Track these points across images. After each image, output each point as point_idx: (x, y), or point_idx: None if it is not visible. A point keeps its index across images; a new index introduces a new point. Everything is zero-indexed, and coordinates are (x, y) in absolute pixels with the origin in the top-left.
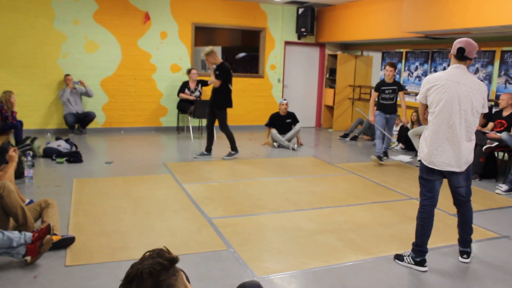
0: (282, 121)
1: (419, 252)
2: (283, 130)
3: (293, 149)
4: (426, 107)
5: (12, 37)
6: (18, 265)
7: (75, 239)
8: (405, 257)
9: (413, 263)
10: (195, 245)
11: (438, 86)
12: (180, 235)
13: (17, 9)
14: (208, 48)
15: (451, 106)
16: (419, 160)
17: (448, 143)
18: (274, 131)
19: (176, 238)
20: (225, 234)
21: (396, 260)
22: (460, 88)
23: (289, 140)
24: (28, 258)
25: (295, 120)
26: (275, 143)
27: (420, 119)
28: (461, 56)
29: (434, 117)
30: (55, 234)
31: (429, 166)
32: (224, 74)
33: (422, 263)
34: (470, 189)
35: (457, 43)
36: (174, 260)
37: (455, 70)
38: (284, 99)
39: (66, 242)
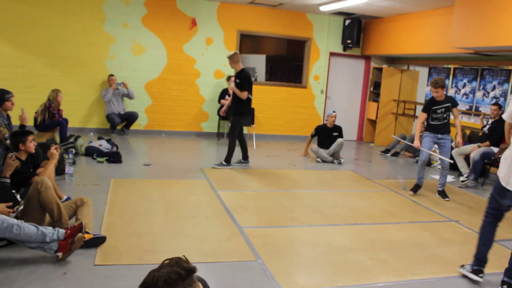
0: (329, 134)
1: (477, 261)
2: (328, 142)
3: (339, 163)
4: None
5: (64, 37)
6: (50, 260)
7: (106, 239)
8: (466, 265)
9: (470, 271)
10: (224, 253)
11: None
12: (210, 242)
13: (70, 11)
14: (232, 51)
15: None
16: (462, 181)
17: None
18: (315, 147)
19: (205, 245)
20: (255, 245)
21: (460, 269)
22: None
23: (332, 155)
24: (60, 254)
25: (341, 134)
26: (318, 159)
27: (465, 139)
28: None
29: None
30: (87, 233)
31: (506, 187)
32: (244, 82)
33: (477, 272)
34: None
35: None
36: (192, 270)
37: None
38: (333, 111)
39: (97, 241)
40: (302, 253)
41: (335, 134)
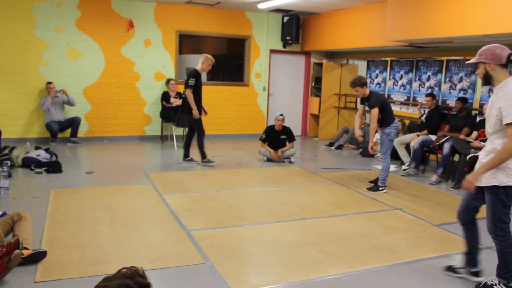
0: (277, 137)
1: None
2: (277, 146)
3: (290, 162)
4: None
5: None
6: None
7: (46, 253)
8: (494, 286)
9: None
10: (172, 259)
11: None
12: (157, 248)
13: None
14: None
15: None
16: (404, 169)
17: None
18: (263, 150)
19: (152, 251)
20: (203, 247)
21: None
22: None
23: (286, 157)
24: None
25: (290, 137)
26: (265, 158)
27: (404, 129)
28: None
29: None
30: (25, 248)
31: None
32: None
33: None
34: None
35: (503, 50)
36: (146, 286)
37: None
38: (281, 114)
39: (37, 257)
40: (251, 252)
41: (282, 137)
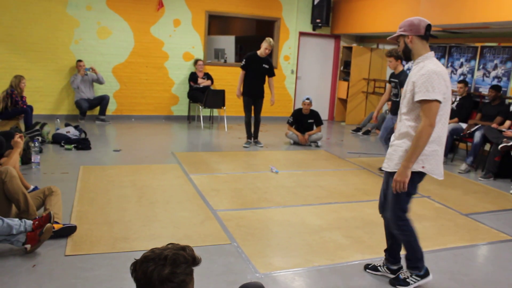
0: (304, 120)
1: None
2: (304, 129)
3: (317, 146)
4: None
5: (24, 21)
6: (18, 253)
7: (76, 228)
8: (407, 279)
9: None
10: (198, 238)
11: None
12: (183, 227)
13: None
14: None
15: None
16: None
17: None
18: (290, 133)
19: (179, 230)
20: (229, 228)
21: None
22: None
23: (313, 141)
24: (28, 246)
25: (318, 121)
26: (291, 141)
27: None
28: (429, 34)
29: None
30: (56, 223)
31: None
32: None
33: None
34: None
35: (421, 21)
36: (197, 260)
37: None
38: (307, 98)
39: (67, 231)
40: (277, 235)
41: (310, 121)
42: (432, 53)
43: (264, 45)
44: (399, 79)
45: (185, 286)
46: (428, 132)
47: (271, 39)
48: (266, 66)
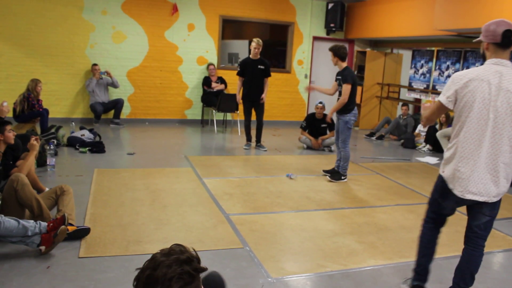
0: (318, 125)
1: (416, 275)
2: (317, 134)
3: (330, 150)
4: None
5: (41, 26)
6: (33, 254)
7: (90, 230)
8: (408, 279)
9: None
10: (210, 242)
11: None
12: (196, 230)
13: None
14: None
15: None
16: None
17: None
18: (303, 138)
19: (192, 234)
20: (242, 232)
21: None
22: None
23: (326, 145)
24: (43, 248)
25: (331, 126)
26: (304, 145)
27: (448, 121)
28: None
29: None
30: (70, 224)
31: (453, 191)
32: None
33: None
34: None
35: (498, 26)
36: (203, 270)
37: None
38: (320, 102)
39: (81, 233)
40: (289, 239)
41: (323, 125)
42: (497, 60)
43: (252, 45)
44: (342, 75)
45: None
46: None
47: (258, 39)
48: (262, 67)
